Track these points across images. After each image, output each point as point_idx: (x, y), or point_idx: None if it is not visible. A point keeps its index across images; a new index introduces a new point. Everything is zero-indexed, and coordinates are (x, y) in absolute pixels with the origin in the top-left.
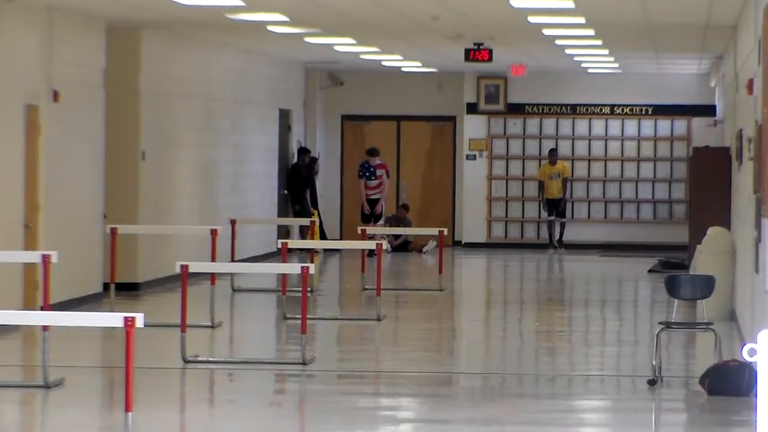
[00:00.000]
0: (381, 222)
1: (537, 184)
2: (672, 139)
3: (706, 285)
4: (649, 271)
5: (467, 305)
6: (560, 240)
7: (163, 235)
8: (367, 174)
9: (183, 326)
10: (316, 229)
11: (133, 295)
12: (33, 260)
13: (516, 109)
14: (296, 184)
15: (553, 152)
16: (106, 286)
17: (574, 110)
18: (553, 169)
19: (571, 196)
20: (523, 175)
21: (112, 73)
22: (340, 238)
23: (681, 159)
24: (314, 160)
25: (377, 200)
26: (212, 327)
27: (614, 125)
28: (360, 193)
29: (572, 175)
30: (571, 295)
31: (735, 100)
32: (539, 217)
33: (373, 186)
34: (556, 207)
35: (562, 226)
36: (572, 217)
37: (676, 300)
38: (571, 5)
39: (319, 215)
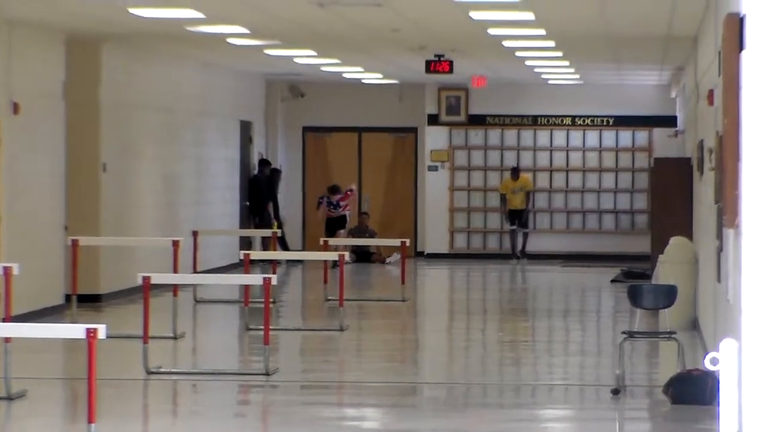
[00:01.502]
0: (343, 231)
1: (499, 195)
2: (633, 149)
3: (669, 294)
4: (612, 281)
5: (430, 316)
6: (523, 250)
7: (124, 246)
8: (331, 207)
9: (145, 337)
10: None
11: (95, 307)
12: None
13: (477, 121)
14: (256, 196)
15: (516, 170)
16: (68, 298)
17: (535, 121)
18: (515, 185)
19: (533, 207)
20: (485, 186)
21: (73, 86)
22: (303, 250)
23: (642, 169)
24: (276, 171)
25: (342, 217)
26: (175, 338)
27: (576, 136)
28: (317, 220)
29: (534, 186)
30: (534, 305)
31: (696, 111)
32: (501, 227)
33: (336, 212)
34: (518, 217)
35: (525, 236)
36: (534, 228)
37: (638, 309)
38: (531, 17)
39: (281, 226)
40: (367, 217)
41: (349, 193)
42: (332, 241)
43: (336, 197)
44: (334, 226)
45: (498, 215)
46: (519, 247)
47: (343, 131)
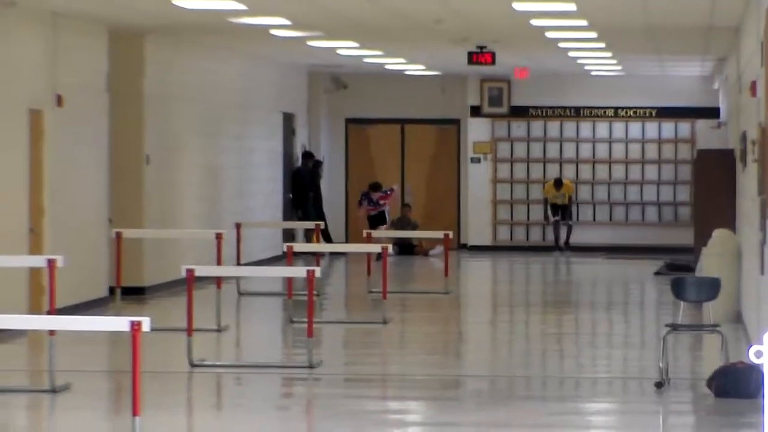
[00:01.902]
0: (384, 227)
1: (542, 187)
2: (676, 141)
3: (712, 287)
4: (655, 273)
5: (473, 308)
6: (567, 242)
7: (168, 239)
8: (370, 204)
9: (189, 330)
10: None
11: (139, 299)
12: (39, 264)
13: (520, 112)
14: (298, 189)
15: (559, 181)
16: (112, 291)
17: (577, 113)
18: (558, 193)
19: (576, 200)
20: (528, 178)
21: (116, 78)
22: (346, 242)
23: (685, 161)
24: (318, 163)
25: (382, 213)
26: (218, 331)
27: (618, 128)
28: (359, 218)
29: (577, 178)
30: (578, 297)
31: (738, 103)
32: (545, 220)
33: (375, 209)
34: (561, 210)
35: (569, 228)
36: (578, 220)
37: (682, 302)
38: (574, 8)
39: (323, 218)
40: (410, 209)
41: (389, 192)
42: (375, 234)
43: (377, 195)
44: (375, 222)
45: (541, 207)
46: (563, 239)
47: (385, 123)
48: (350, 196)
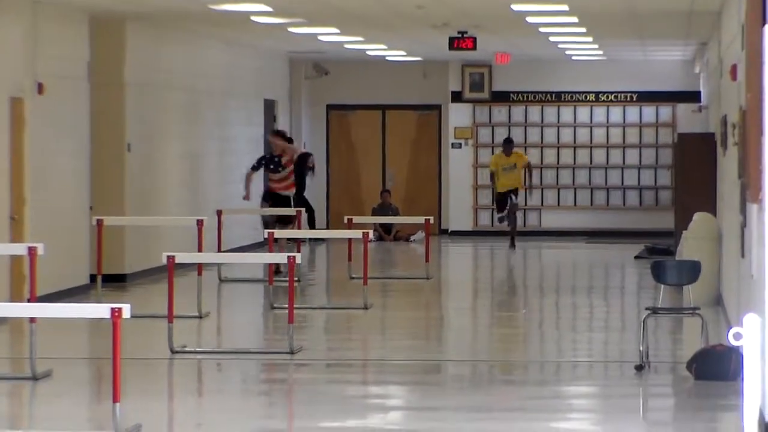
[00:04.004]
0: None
1: (493, 173)
2: (657, 125)
3: (692, 270)
4: (636, 257)
5: (454, 293)
6: (512, 240)
7: (149, 226)
8: (271, 166)
9: (170, 317)
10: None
11: (120, 287)
12: (19, 252)
13: (501, 97)
14: None
15: (509, 142)
16: (92, 278)
17: (559, 98)
18: (508, 161)
19: (530, 185)
20: None
21: (97, 65)
22: (327, 227)
23: (666, 145)
24: (308, 155)
25: (288, 198)
26: (199, 317)
27: (599, 112)
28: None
29: (559, 163)
30: (558, 281)
31: (719, 86)
32: (496, 210)
33: (278, 178)
34: (509, 199)
35: (514, 221)
36: (558, 204)
37: (662, 286)
38: None
39: (307, 205)
40: (389, 195)
41: (310, 157)
42: (357, 219)
43: (278, 146)
44: (276, 203)
45: (522, 192)
46: (512, 223)
47: (366, 109)
48: (331, 182)
